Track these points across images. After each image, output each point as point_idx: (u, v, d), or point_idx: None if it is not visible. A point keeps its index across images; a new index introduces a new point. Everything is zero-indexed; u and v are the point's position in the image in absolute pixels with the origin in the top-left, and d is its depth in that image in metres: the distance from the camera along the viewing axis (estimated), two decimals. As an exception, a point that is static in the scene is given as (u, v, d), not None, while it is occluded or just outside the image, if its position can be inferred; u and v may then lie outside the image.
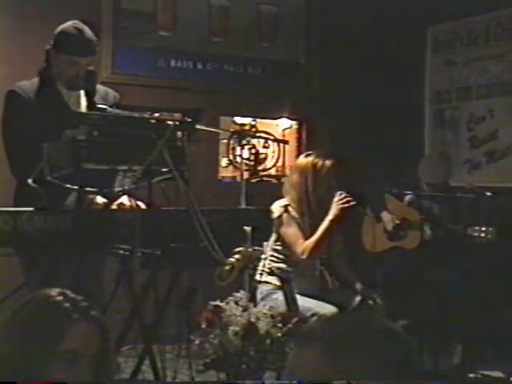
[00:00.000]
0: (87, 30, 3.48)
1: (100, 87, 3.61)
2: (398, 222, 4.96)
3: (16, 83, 3.53)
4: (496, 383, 4.55)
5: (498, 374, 4.62)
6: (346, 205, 4.01)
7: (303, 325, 3.02)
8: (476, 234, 4.49)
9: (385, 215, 5.00)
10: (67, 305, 1.74)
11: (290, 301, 3.65)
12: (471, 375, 4.61)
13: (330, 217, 4.01)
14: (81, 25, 3.49)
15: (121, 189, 3.12)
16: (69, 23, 3.52)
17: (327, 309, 3.88)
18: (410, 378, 1.28)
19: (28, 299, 1.81)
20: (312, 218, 4.07)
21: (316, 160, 4.08)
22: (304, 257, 3.99)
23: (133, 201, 3.10)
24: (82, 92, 3.45)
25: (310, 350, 1.30)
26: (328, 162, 4.07)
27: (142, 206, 3.11)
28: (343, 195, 4.02)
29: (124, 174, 3.04)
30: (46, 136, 2.96)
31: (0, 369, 1.67)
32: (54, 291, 1.79)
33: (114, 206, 3.16)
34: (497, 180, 5.73)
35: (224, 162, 6.03)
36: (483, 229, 4.47)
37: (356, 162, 5.49)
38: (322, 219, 4.03)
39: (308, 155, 4.17)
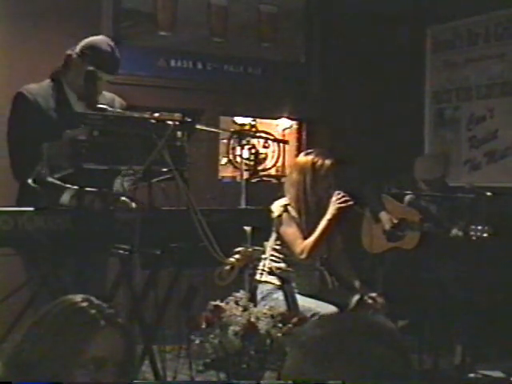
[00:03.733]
0: (117, 50, 3.53)
1: (107, 94, 3.63)
2: (395, 221, 4.96)
3: (24, 86, 3.53)
4: (496, 383, 4.55)
5: (498, 373, 4.61)
6: (344, 204, 4.01)
7: (302, 325, 3.03)
8: (472, 233, 4.50)
9: (383, 215, 5.01)
10: (93, 311, 1.73)
11: (290, 301, 3.65)
12: (471, 375, 4.61)
13: (327, 216, 4.02)
14: (112, 43, 3.53)
15: (120, 190, 3.12)
16: (101, 38, 3.57)
17: (327, 309, 3.88)
18: (404, 378, 1.28)
19: (51, 305, 1.79)
20: (310, 217, 4.07)
21: (316, 159, 4.08)
22: (303, 257, 4.00)
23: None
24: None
25: (305, 353, 1.30)
26: (328, 162, 4.07)
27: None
28: (341, 195, 4.02)
29: (124, 175, 3.04)
30: (50, 140, 2.96)
31: (26, 374, 1.66)
32: (78, 297, 1.78)
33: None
34: (497, 180, 5.73)
35: (224, 161, 6.03)
36: (479, 227, 4.48)
37: (355, 162, 5.49)
38: (320, 218, 4.03)
39: (308, 153, 4.17)
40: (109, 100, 3.59)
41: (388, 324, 1.38)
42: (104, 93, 3.62)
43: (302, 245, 4.00)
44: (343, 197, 4.02)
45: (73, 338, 1.69)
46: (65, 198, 3.14)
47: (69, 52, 3.55)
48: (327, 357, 1.26)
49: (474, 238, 4.49)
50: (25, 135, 3.37)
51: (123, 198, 3.10)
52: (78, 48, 3.52)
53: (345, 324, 1.36)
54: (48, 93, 3.49)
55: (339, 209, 4.01)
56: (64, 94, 3.51)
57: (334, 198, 4.02)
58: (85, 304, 1.74)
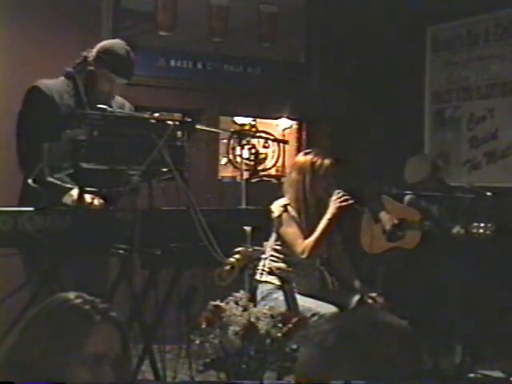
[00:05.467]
0: (132, 54, 3.55)
1: (117, 98, 3.64)
2: (396, 221, 4.95)
3: (38, 80, 3.52)
4: (496, 383, 4.55)
5: (498, 373, 4.61)
6: (344, 203, 4.01)
7: (304, 325, 3.03)
8: (475, 231, 4.49)
9: (383, 215, 5.00)
10: (87, 307, 1.72)
11: (290, 301, 3.65)
12: (471, 375, 4.61)
13: (327, 215, 4.01)
14: (128, 47, 3.55)
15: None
16: (117, 42, 3.58)
17: (327, 309, 3.88)
18: (415, 374, 1.28)
19: (44, 304, 1.78)
20: (310, 217, 4.06)
21: (315, 159, 4.07)
22: (304, 256, 3.99)
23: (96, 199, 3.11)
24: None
25: (314, 348, 1.30)
26: (327, 161, 4.06)
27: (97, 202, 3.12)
28: (341, 194, 4.02)
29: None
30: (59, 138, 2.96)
31: (24, 374, 1.65)
32: (71, 294, 1.77)
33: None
34: (497, 180, 5.73)
35: (224, 161, 6.04)
36: (482, 225, 4.47)
37: (355, 162, 5.50)
38: (320, 218, 4.03)
39: (307, 153, 4.16)
40: (119, 104, 3.61)
41: (399, 322, 1.38)
42: (115, 97, 3.63)
43: (302, 244, 4.00)
44: (343, 196, 4.01)
45: (70, 335, 1.68)
46: (67, 199, 3.15)
47: (85, 54, 3.55)
48: (336, 352, 1.26)
49: (476, 235, 4.48)
50: (38, 129, 3.35)
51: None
52: (94, 51, 3.53)
53: (354, 320, 1.36)
54: (63, 89, 3.50)
55: (340, 208, 4.00)
56: (78, 93, 3.51)
57: (334, 197, 4.02)
58: (78, 301, 1.74)
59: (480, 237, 4.47)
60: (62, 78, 3.55)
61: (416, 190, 5.00)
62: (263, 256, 3.78)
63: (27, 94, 3.51)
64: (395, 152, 5.81)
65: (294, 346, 2.96)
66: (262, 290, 3.89)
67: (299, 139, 6.30)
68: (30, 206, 2.81)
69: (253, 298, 3.25)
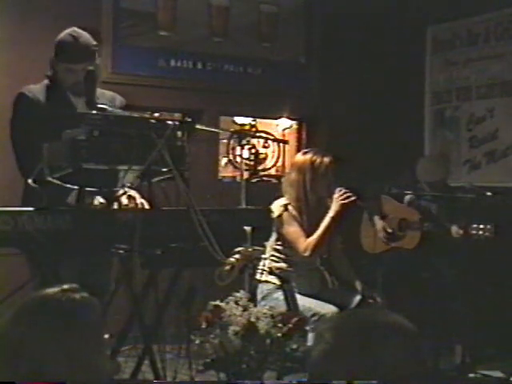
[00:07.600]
0: (84, 37, 3.51)
1: (107, 92, 3.64)
2: (390, 230, 4.93)
3: (24, 87, 3.54)
4: (496, 383, 4.55)
5: (497, 373, 4.61)
6: (347, 200, 3.99)
7: (304, 325, 3.03)
8: (474, 232, 4.49)
9: (377, 221, 4.98)
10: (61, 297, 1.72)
11: (290, 301, 3.65)
12: (471, 375, 4.61)
13: (331, 213, 4.00)
14: (77, 32, 3.52)
15: (121, 189, 3.12)
16: (66, 31, 3.55)
17: (327, 309, 3.88)
18: (417, 373, 1.28)
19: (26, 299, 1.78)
20: (311, 216, 4.05)
21: (314, 157, 4.06)
22: (307, 254, 3.98)
23: (137, 198, 3.11)
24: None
25: (326, 348, 1.30)
26: (326, 159, 4.05)
27: (145, 204, 3.12)
28: (343, 191, 4.01)
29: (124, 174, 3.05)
30: (54, 138, 2.96)
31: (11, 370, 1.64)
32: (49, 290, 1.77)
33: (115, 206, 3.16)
34: (497, 180, 5.73)
35: (224, 161, 6.04)
36: (481, 226, 4.47)
37: (355, 162, 5.49)
38: (321, 217, 4.02)
39: (306, 153, 4.15)
40: (109, 98, 3.60)
41: (404, 321, 1.39)
42: (104, 91, 3.63)
43: (305, 243, 3.98)
44: (345, 193, 4.00)
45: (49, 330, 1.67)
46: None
47: (52, 56, 3.58)
48: (340, 351, 1.27)
49: (475, 237, 4.47)
50: (29, 133, 3.38)
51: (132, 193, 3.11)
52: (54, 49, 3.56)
53: (358, 319, 1.36)
54: (48, 92, 3.51)
55: (342, 205, 3.99)
56: (63, 93, 3.52)
57: (336, 195, 4.00)
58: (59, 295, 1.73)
59: (479, 238, 4.47)
60: (46, 81, 3.57)
61: (421, 189, 5.01)
62: (263, 256, 3.78)
63: (14, 102, 3.54)
64: (395, 152, 5.82)
65: (294, 346, 2.96)
66: (261, 289, 3.89)
67: (299, 139, 6.30)
68: (32, 207, 2.82)
69: (253, 298, 3.25)
